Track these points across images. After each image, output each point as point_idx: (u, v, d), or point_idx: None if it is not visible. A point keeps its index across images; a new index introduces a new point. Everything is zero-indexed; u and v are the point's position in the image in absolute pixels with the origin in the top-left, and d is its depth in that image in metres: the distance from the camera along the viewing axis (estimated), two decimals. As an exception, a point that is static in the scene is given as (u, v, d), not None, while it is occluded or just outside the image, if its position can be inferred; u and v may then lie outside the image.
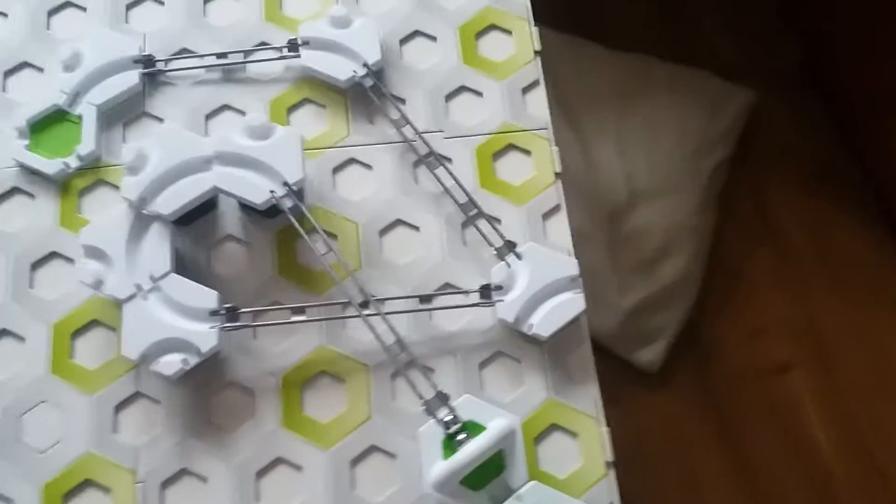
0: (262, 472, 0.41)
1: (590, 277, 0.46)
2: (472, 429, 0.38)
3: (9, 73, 0.50)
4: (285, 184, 0.43)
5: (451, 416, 0.38)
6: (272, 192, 0.43)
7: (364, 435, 0.42)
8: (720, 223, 0.95)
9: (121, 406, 0.42)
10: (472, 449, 0.36)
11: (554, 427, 0.43)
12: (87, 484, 0.41)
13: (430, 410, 0.39)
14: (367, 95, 0.49)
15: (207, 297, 0.41)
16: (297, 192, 0.43)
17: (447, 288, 0.45)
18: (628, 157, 0.92)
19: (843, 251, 0.97)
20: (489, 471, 0.37)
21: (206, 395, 0.42)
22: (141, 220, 0.43)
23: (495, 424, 0.37)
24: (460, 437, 0.37)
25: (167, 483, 0.41)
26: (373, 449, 0.42)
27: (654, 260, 0.89)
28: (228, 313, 0.41)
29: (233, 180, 0.43)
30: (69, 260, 0.45)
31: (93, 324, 0.44)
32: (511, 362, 0.44)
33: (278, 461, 0.41)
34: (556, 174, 0.49)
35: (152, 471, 0.41)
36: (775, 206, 0.99)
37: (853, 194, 1.00)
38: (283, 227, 0.46)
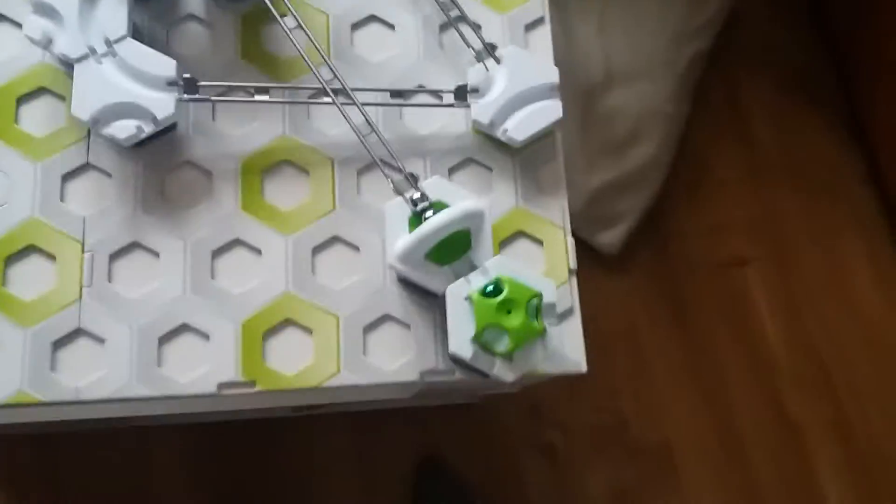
0: (218, 252, 0.40)
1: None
2: (440, 208, 0.36)
3: None
4: (256, -45, 0.40)
5: (419, 195, 0.37)
6: (241, -39, 0.40)
7: (327, 225, 0.41)
8: (692, 115, 0.94)
9: (69, 176, 0.40)
10: (437, 220, 0.35)
11: (520, 234, 0.42)
12: (30, 249, 0.38)
13: (399, 189, 0.38)
14: None
15: (165, 65, 0.39)
16: (268, -33, 0.41)
17: (421, 88, 0.44)
18: (608, 38, 0.90)
19: (809, 153, 0.98)
20: (454, 249, 0.36)
21: (161, 171, 0.40)
22: (96, -20, 0.40)
23: (462, 202, 0.36)
24: (427, 214, 0.36)
25: (116, 255, 0.39)
26: (335, 240, 0.41)
27: (624, 143, 0.88)
28: (187, 84, 0.39)
29: (199, -54, 0.40)
30: (16, 24, 0.42)
31: (40, 91, 0.41)
32: (482, 169, 0.43)
33: (236, 242, 0.40)
34: (543, -13, 0.47)
35: (100, 241, 0.39)
36: (748, 102, 0.98)
37: (825, 98, 1.00)
38: (249, 11, 0.43)
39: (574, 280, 0.42)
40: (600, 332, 0.86)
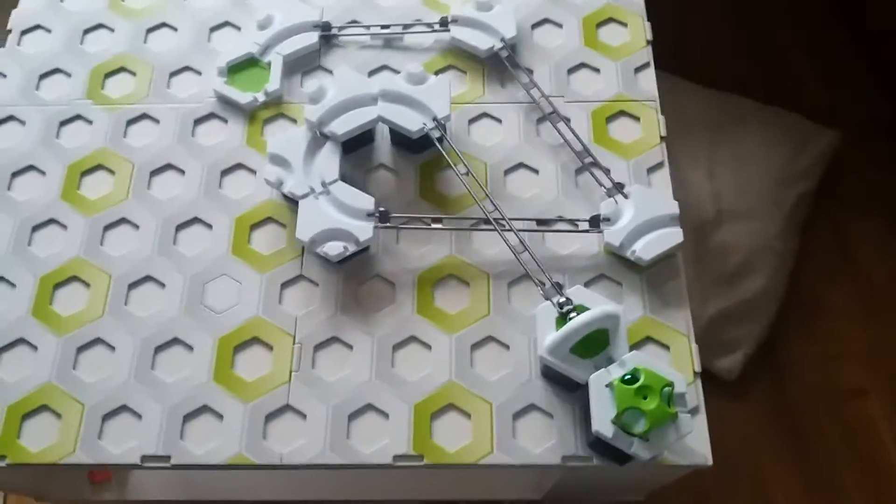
0: (397, 346, 0.49)
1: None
2: (582, 311, 0.44)
3: (213, 29, 0.61)
4: (435, 119, 0.52)
5: (565, 299, 0.45)
6: (424, 123, 0.52)
7: (483, 327, 0.49)
8: (801, 251, 0.99)
9: (286, 284, 0.51)
10: (580, 320, 0.43)
11: (648, 339, 0.49)
12: (254, 341, 0.49)
13: (547, 295, 0.46)
14: (502, 65, 0.58)
15: (366, 201, 0.50)
16: (444, 126, 0.52)
17: (561, 218, 0.53)
18: (717, 180, 0.98)
19: (923, 286, 1.00)
20: (595, 344, 0.44)
21: (356, 283, 0.51)
22: (317, 138, 0.52)
23: (601, 306, 0.44)
24: (572, 315, 0.44)
25: (319, 346, 0.49)
26: (490, 339, 0.49)
27: (736, 275, 0.94)
28: (381, 215, 0.50)
29: (393, 113, 0.53)
30: (252, 171, 0.55)
31: (267, 220, 0.53)
32: (613, 284, 0.51)
33: (411, 339, 0.49)
34: (662, 137, 0.56)
35: (308, 335, 0.49)
36: (855, 239, 1.02)
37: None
38: (425, 160, 0.55)
39: (699, 382, 0.48)
40: (722, 460, 0.88)
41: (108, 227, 0.53)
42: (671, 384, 0.42)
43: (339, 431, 0.47)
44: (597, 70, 0.59)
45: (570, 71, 0.59)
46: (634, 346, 0.49)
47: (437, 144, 0.52)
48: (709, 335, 0.92)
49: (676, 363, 0.49)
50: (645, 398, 0.41)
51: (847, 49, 1.18)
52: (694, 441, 0.46)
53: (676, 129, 1.04)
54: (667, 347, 0.49)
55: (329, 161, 0.52)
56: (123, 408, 0.47)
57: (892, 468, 0.91)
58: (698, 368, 0.49)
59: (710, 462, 0.46)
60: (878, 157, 1.08)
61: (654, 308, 0.50)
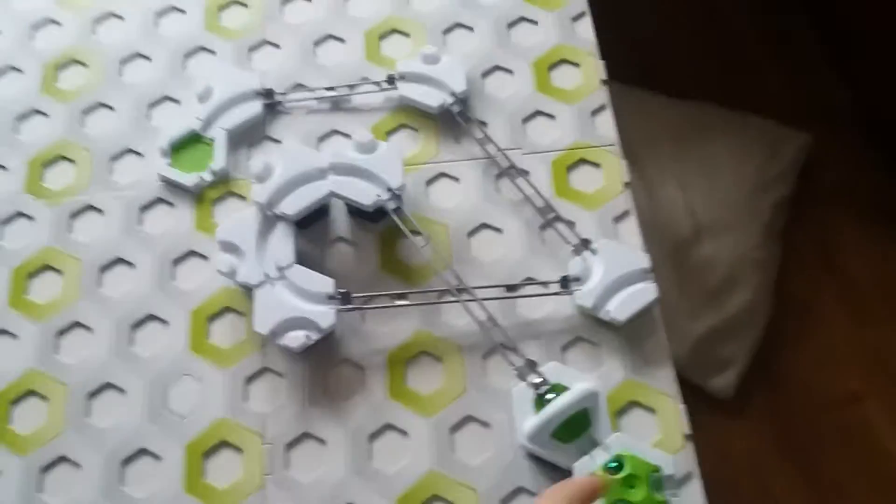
0: (373, 436, 0.46)
1: (660, 306, 0.51)
2: (560, 390, 0.42)
3: (152, 105, 0.59)
4: (389, 189, 0.50)
5: (541, 380, 0.43)
6: (378, 195, 0.50)
7: (461, 406, 0.47)
8: (784, 258, 0.98)
9: (251, 379, 0.48)
10: (559, 403, 0.41)
11: (633, 404, 0.47)
12: (222, 445, 0.47)
13: (522, 375, 0.44)
14: (455, 120, 0.56)
15: (325, 283, 0.48)
16: (399, 197, 0.50)
17: (529, 280, 0.51)
18: (690, 195, 0.97)
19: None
20: (576, 427, 0.42)
21: (323, 370, 0.48)
22: (268, 220, 0.50)
23: (580, 384, 0.42)
24: (549, 396, 0.42)
25: (291, 445, 0.46)
26: (469, 419, 0.47)
27: (721, 291, 0.93)
28: (342, 297, 0.48)
29: (346, 186, 0.50)
30: (204, 257, 0.52)
31: (225, 310, 0.51)
32: (590, 346, 0.49)
33: (387, 427, 0.47)
34: (625, 184, 0.54)
35: (278, 434, 0.47)
36: (837, 241, 1.01)
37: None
38: (384, 229, 0.53)
39: (691, 445, 0.46)
40: (726, 480, 0.87)
41: (60, 333, 0.51)
42: (658, 469, 0.40)
43: (318, 535, 0.44)
44: (552, 117, 0.57)
45: (525, 120, 0.57)
46: (620, 411, 0.47)
47: (394, 216, 0.50)
48: (700, 354, 0.91)
49: (664, 426, 0.46)
50: (632, 487, 0.39)
51: (812, 45, 1.17)
52: (691, 506, 0.44)
53: (643, 143, 1.03)
54: (653, 410, 0.47)
55: (283, 244, 0.49)
56: (88, 532, 0.45)
57: (894, 469, 0.89)
58: (687, 431, 0.46)
59: (708, 531, 0.44)
60: (850, 153, 1.07)
61: (636, 368, 0.48)
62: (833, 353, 0.95)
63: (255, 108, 0.57)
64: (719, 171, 0.98)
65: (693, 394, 0.87)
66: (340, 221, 0.54)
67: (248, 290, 0.49)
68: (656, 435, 0.46)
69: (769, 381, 0.94)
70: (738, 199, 0.96)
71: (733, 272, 0.93)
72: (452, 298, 0.48)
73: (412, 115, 0.58)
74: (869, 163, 1.07)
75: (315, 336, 0.46)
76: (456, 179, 0.55)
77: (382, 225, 0.53)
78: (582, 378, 0.44)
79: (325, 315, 0.47)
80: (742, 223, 0.95)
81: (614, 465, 0.40)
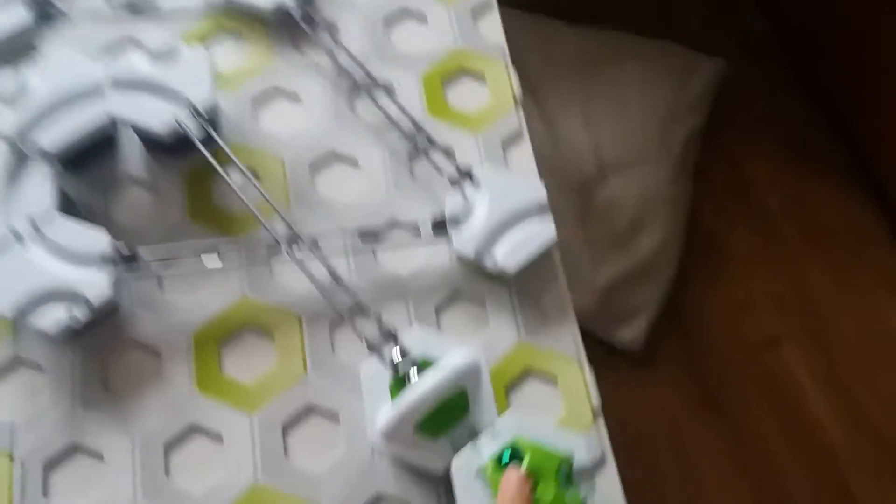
0: (171, 445, 0.34)
1: (561, 255, 0.40)
2: (426, 366, 0.31)
3: None
4: (193, 109, 0.37)
5: (400, 354, 0.31)
6: (177, 117, 0.36)
7: (297, 395, 0.35)
8: (697, 195, 0.90)
9: (-3, 377, 0.35)
10: (424, 386, 0.29)
11: (528, 372, 0.36)
12: (-46, 474, 0.33)
13: (373, 348, 0.32)
14: (293, 23, 0.43)
15: (96, 239, 0.34)
16: (209, 120, 0.37)
17: (393, 224, 0.39)
18: (595, 129, 0.87)
19: (824, 216, 0.93)
20: (450, 414, 0.31)
21: (102, 358, 0.35)
22: (20, 157, 0.36)
23: (451, 357, 0.30)
24: (412, 375, 0.31)
25: (52, 463, 0.33)
26: (309, 410, 0.35)
27: (629, 233, 0.83)
28: (126, 258, 0.34)
29: (130, 107, 0.37)
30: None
31: (-34, 285, 0.36)
32: (473, 305, 0.38)
33: (192, 430, 0.34)
34: (516, 99, 0.43)
35: (34, 449, 0.33)
36: (752, 175, 0.94)
37: (830, 158, 0.96)
38: (194, 166, 0.39)
39: (601, 421, 0.36)
40: (640, 436, 0.79)
41: None
42: (568, 459, 0.29)
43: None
44: (423, 19, 0.45)
45: (389, 22, 0.44)
46: (512, 385, 0.36)
47: (201, 147, 0.36)
48: (606, 305, 0.82)
49: (568, 398, 0.36)
50: (536, 484, 0.29)
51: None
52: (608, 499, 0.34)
53: (543, 74, 0.92)
54: (553, 380, 0.36)
55: (39, 189, 0.35)
56: None
57: (818, 418, 0.84)
58: (597, 402, 0.36)
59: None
60: (767, 83, 1.00)
61: (532, 329, 0.37)
62: (748, 295, 0.89)
63: (21, 15, 0.42)
64: (627, 101, 0.88)
65: (598, 350, 0.79)
66: (133, 159, 0.40)
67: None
68: (559, 411, 0.36)
69: (681, 329, 0.86)
70: (647, 132, 0.87)
71: (642, 212, 0.84)
72: (283, 255, 0.35)
73: (237, 19, 0.44)
74: (786, 94, 0.99)
75: (83, 314, 0.33)
76: (295, 98, 0.42)
77: (191, 160, 0.40)
78: (458, 346, 0.32)
79: (96, 283, 0.33)
80: (651, 158, 0.86)
81: (510, 455, 0.29)
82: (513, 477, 0.28)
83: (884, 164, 0.92)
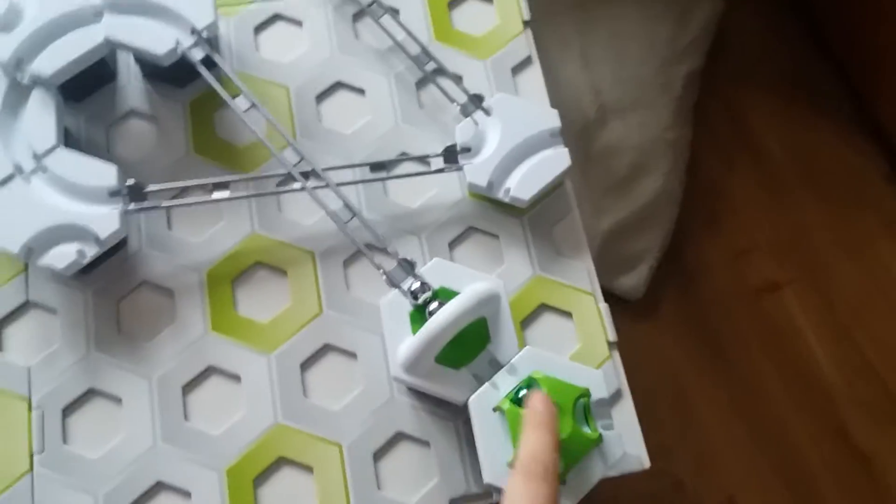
0: (189, 387, 0.33)
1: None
2: (446, 296, 0.30)
3: None
4: (194, 31, 0.35)
5: (419, 284, 0.31)
6: (178, 40, 0.35)
7: (314, 333, 0.34)
8: (696, 138, 0.89)
9: (7, 320, 0.33)
10: (444, 315, 0.28)
11: (543, 307, 0.36)
12: (-37, 416, 0.32)
13: (393, 281, 0.31)
14: (294, -53, 0.41)
15: (105, 173, 0.33)
16: (211, 43, 0.35)
17: (403, 156, 0.38)
18: (594, 72, 0.85)
19: (824, 160, 0.92)
20: (471, 345, 0.30)
21: (114, 299, 0.34)
22: (17, 87, 0.34)
23: (472, 287, 0.29)
24: (432, 306, 0.30)
25: (70, 408, 0.32)
26: (326, 348, 0.34)
27: (629, 178, 0.82)
28: (132, 192, 0.33)
29: (128, 30, 0.35)
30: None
31: (-37, 224, 0.35)
32: (487, 238, 0.37)
33: (210, 371, 0.33)
34: (525, 22, 0.42)
35: (50, 394, 0.32)
36: (751, 117, 0.93)
37: (830, 101, 0.95)
38: (197, 96, 0.38)
39: (616, 354, 0.35)
40: (640, 387, 0.79)
41: None
42: (586, 392, 0.29)
43: (119, 529, 0.31)
44: (426, -63, 0.43)
45: (391, -58, 0.43)
46: (528, 320, 0.35)
47: (204, 71, 0.35)
48: (607, 253, 0.81)
49: (583, 332, 0.35)
50: (554, 418, 0.28)
51: None
52: (622, 440, 0.34)
53: (540, 16, 0.90)
54: (569, 314, 0.36)
55: (41, 119, 0.34)
56: None
57: (818, 362, 0.84)
58: (612, 336, 0.36)
59: (647, 464, 0.34)
60: (767, 23, 0.98)
61: (546, 262, 0.36)
62: (749, 240, 0.88)
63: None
64: (627, 41, 0.86)
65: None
66: (133, 88, 0.38)
67: None
68: (574, 344, 0.35)
69: (682, 275, 0.86)
70: (648, 73, 0.85)
71: (643, 157, 0.83)
72: (297, 186, 0.34)
73: (233, -57, 0.42)
74: (787, 34, 0.98)
75: (92, 251, 0.32)
76: (297, 23, 0.40)
77: (193, 89, 0.38)
78: (476, 277, 0.31)
79: (105, 218, 0.32)
80: (651, 101, 0.84)
81: (525, 392, 0.28)
82: (538, 396, 0.27)
83: (883, 103, 0.91)
